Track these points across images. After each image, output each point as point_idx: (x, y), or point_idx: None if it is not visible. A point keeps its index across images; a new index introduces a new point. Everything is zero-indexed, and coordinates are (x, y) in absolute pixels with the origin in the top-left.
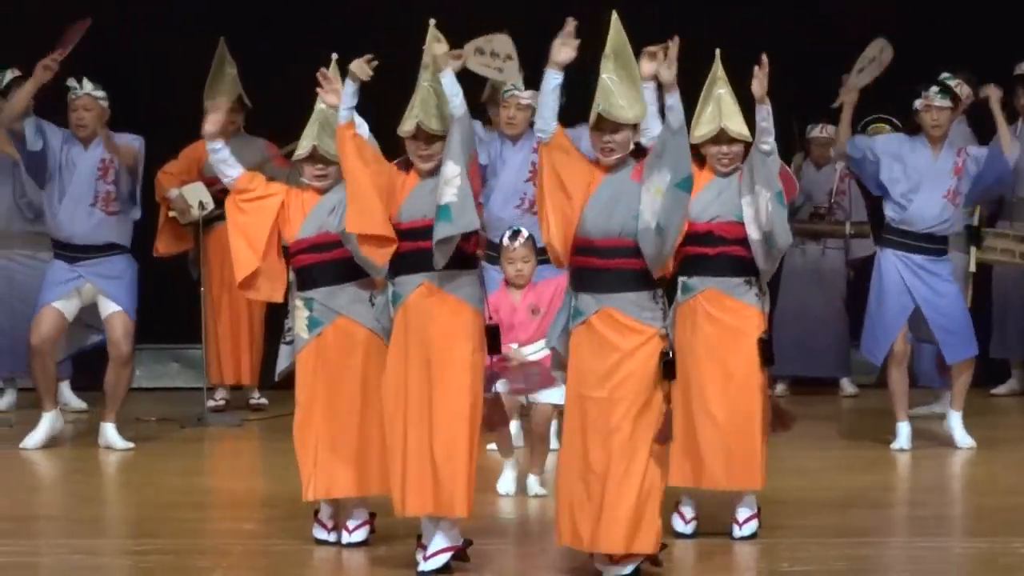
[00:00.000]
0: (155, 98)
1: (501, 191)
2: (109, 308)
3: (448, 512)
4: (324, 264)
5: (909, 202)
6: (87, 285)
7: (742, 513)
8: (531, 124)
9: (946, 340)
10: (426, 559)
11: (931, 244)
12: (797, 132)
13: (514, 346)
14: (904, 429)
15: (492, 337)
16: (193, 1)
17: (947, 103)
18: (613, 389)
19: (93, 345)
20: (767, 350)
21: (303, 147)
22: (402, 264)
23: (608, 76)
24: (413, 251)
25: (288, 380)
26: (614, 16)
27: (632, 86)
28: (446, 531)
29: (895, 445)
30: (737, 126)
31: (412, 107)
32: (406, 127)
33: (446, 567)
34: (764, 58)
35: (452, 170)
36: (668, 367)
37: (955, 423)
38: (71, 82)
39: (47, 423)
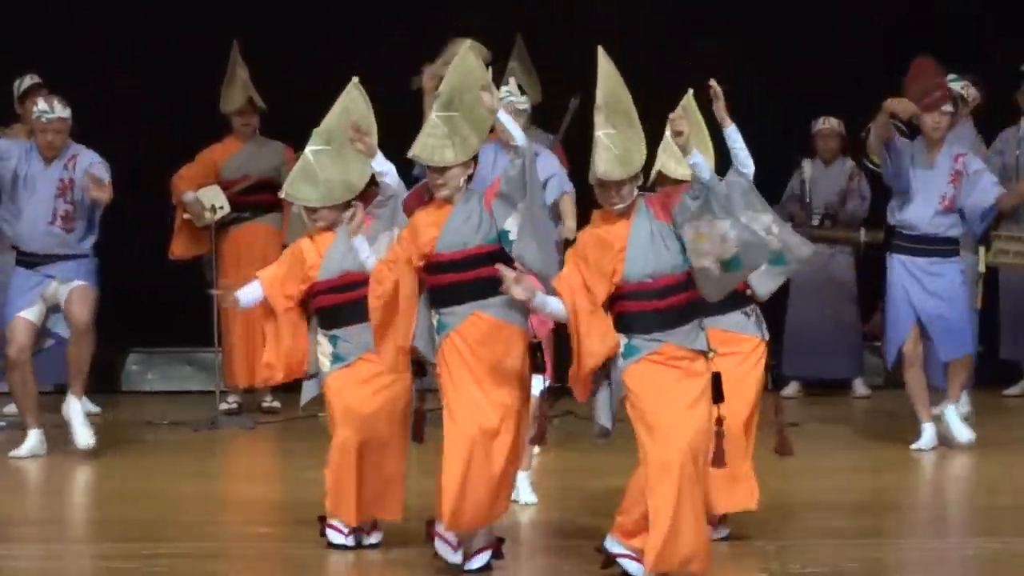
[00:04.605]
0: (171, 102)
1: None
2: (70, 286)
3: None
4: (349, 304)
5: (907, 205)
6: (52, 284)
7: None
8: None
9: (940, 339)
10: (469, 558)
11: (935, 246)
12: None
13: None
14: (929, 431)
15: (535, 355)
16: (207, 4)
17: (951, 108)
18: (690, 415)
19: (41, 349)
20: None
21: (299, 201)
22: (448, 295)
23: (603, 133)
24: (458, 282)
25: (297, 381)
26: (600, 53)
27: (629, 131)
28: (482, 530)
29: (917, 445)
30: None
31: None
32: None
33: (487, 566)
34: (715, 86)
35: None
36: (717, 389)
37: (951, 416)
38: (41, 104)
39: (33, 440)
